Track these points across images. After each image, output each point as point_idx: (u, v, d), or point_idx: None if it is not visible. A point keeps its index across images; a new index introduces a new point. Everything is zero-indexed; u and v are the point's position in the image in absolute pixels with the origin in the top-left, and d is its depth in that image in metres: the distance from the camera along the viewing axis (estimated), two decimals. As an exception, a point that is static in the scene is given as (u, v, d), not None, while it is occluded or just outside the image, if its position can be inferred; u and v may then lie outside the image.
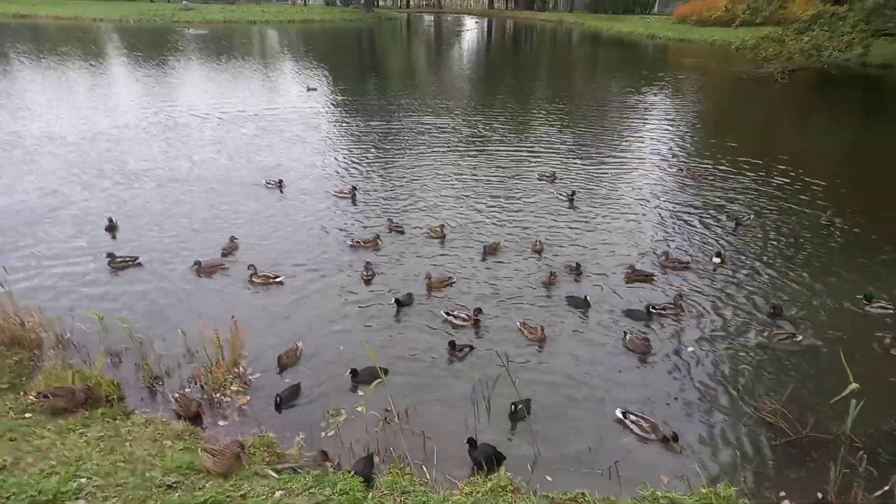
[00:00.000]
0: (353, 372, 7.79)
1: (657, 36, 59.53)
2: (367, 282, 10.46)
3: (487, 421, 7.13)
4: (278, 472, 5.70)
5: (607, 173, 16.77)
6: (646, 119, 24.12)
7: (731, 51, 34.32)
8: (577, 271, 10.71)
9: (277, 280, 10.30)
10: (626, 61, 46.73)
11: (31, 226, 12.37)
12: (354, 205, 14.01)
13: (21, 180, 15.08)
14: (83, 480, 4.97)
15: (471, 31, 79.13)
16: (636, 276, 10.63)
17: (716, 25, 49.42)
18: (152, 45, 47.58)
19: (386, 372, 7.75)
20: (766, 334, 8.85)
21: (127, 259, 10.79)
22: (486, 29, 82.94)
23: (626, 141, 20.62)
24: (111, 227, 12.21)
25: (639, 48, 55.39)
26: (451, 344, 8.47)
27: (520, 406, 7.11)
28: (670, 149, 19.56)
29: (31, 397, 6.86)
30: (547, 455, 6.60)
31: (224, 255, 11.24)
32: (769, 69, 29.54)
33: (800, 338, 8.72)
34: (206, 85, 30.36)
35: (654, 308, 9.43)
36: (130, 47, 46.26)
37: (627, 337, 8.67)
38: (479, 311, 9.26)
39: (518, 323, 9.05)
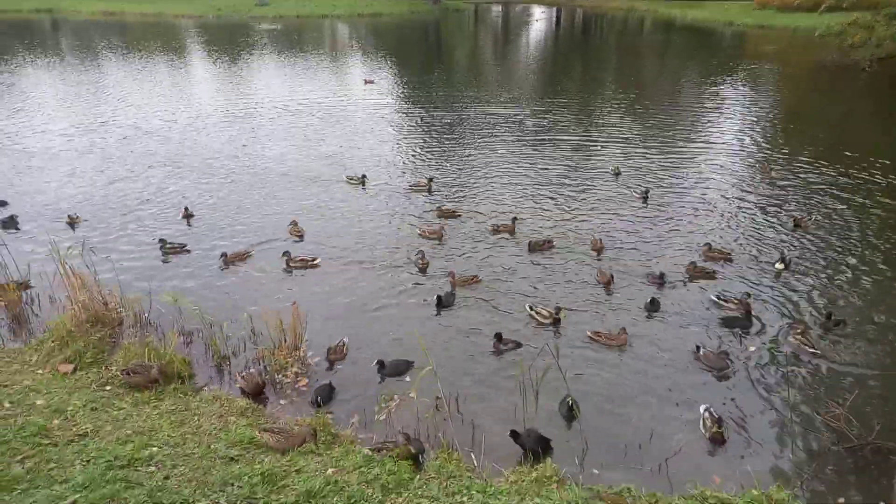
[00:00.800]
0: (381, 364, 7.93)
1: (735, 23, 56.85)
2: (423, 270, 10.76)
3: (535, 412, 7.19)
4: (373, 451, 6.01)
5: (676, 168, 16.30)
6: (719, 112, 23.23)
7: (815, 38, 32.33)
8: (659, 280, 10.14)
9: (315, 262, 10.76)
10: (701, 50, 44.99)
11: (115, 212, 13.28)
12: (430, 194, 14.29)
13: (108, 169, 16.16)
14: (154, 449, 5.39)
15: (538, 20, 77.97)
16: (697, 273, 10.37)
17: (799, 11, 46.70)
18: (228, 40, 49.52)
19: (411, 364, 7.93)
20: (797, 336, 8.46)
21: (176, 246, 11.42)
22: (554, 18, 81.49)
23: (698, 135, 19.93)
24: (187, 216, 12.91)
25: (715, 35, 53.12)
26: (498, 336, 8.54)
27: (571, 403, 7.09)
28: (744, 143, 18.80)
29: (113, 371, 7.44)
30: (595, 449, 6.61)
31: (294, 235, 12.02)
32: (856, 57, 27.72)
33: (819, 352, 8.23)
34: (278, 79, 31.38)
35: (721, 298, 9.30)
36: (209, 43, 48.39)
37: (701, 352, 8.15)
38: (559, 309, 9.16)
39: (588, 333, 8.77)
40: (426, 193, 14.31)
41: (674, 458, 6.41)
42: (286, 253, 10.95)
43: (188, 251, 11.45)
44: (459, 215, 13.00)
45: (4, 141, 18.87)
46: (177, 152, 17.81)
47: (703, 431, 6.80)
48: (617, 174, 15.13)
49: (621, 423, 7.04)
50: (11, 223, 12.44)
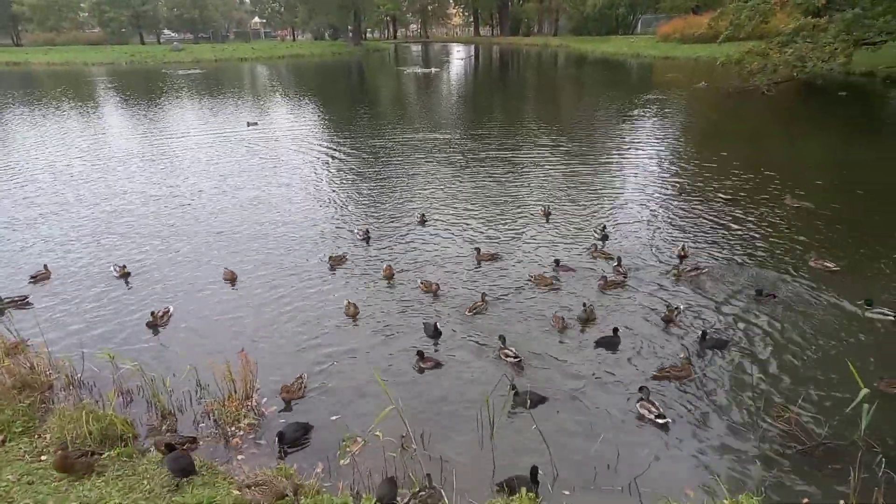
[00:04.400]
0: (280, 435, 7.11)
1: (642, 55, 60.60)
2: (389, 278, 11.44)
3: (499, 440, 7.12)
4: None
5: (593, 193, 16.94)
6: (635, 137, 24.41)
7: (717, 66, 34.87)
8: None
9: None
10: (612, 80, 47.49)
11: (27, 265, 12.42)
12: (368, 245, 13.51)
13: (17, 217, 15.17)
14: (107, 520, 4.95)
15: (462, 59, 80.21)
16: (608, 285, 10.90)
17: (699, 42, 50.38)
18: (144, 87, 48.09)
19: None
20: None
21: (15, 299, 10.73)
22: (472, 56, 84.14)
23: (616, 159, 20.83)
24: (124, 274, 11.89)
25: (624, 67, 56.32)
26: (420, 354, 8.73)
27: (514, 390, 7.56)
28: (662, 165, 19.85)
29: (47, 439, 6.84)
30: (565, 474, 6.59)
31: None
32: (755, 82, 30.05)
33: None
34: (196, 120, 30.68)
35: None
36: (121, 89, 46.80)
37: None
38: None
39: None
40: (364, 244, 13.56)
41: (643, 475, 6.48)
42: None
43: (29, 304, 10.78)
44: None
45: None
46: (85, 199, 16.95)
47: (651, 416, 7.26)
48: (547, 214, 14.85)
49: (587, 443, 7.08)
50: None
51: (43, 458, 6.63)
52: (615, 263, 11.71)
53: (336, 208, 16.10)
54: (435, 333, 9.40)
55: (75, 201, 17.11)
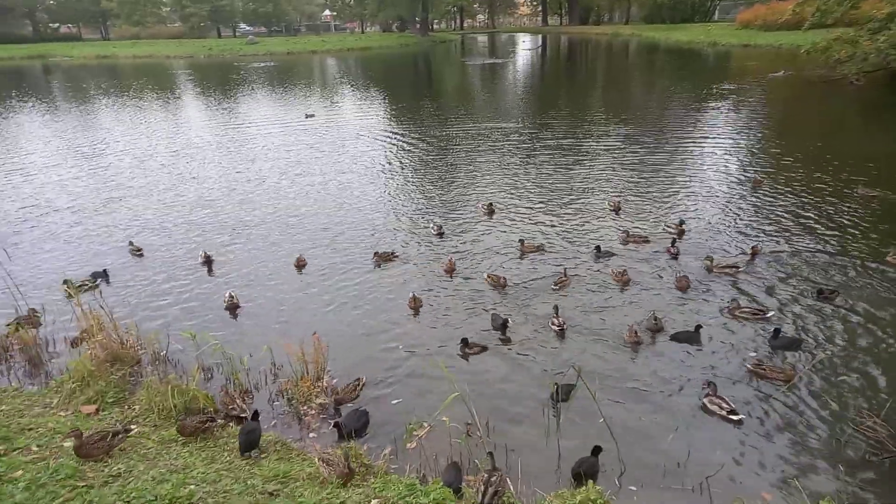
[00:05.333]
0: (338, 426, 7.21)
1: (719, 43, 58.14)
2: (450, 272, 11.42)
3: (564, 430, 7.10)
4: None
5: (664, 186, 16.47)
6: (709, 128, 23.53)
7: (801, 55, 33.00)
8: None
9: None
10: (686, 70, 45.82)
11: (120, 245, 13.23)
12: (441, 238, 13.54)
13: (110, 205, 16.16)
14: (192, 487, 5.26)
15: (524, 49, 79.30)
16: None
17: (782, 29, 47.88)
18: (219, 79, 50.05)
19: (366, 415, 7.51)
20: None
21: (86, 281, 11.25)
22: (539, 46, 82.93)
23: (688, 151, 20.16)
24: (207, 261, 12.36)
25: (700, 56, 54.21)
26: (464, 341, 8.90)
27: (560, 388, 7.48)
28: (737, 157, 19.08)
29: (136, 410, 7.32)
30: (632, 469, 6.51)
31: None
32: (843, 72, 28.32)
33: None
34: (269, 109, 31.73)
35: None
36: (198, 81, 48.91)
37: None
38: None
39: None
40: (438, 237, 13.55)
41: (715, 475, 6.31)
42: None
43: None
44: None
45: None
46: (167, 188, 17.86)
47: (723, 412, 7.14)
48: (617, 209, 14.59)
49: (657, 439, 6.95)
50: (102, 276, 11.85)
51: (133, 427, 7.09)
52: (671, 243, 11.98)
53: (403, 199, 16.31)
54: (502, 327, 9.43)
55: (155, 186, 18.14)
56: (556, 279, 10.89)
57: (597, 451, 6.47)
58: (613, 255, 12.00)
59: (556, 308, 9.65)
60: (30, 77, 56.79)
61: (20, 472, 5.20)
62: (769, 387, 7.77)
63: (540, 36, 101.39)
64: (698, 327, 8.97)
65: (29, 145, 24.84)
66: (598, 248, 12.12)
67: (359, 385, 8.13)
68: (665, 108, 28.85)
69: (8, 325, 9.59)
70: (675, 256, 11.74)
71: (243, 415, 7.47)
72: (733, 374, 8.10)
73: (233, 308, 10.49)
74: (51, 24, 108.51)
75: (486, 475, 5.63)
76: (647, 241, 12.46)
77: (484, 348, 8.95)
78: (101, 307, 9.30)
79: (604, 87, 40.49)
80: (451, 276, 11.49)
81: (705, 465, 6.47)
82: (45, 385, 8.19)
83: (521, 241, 12.53)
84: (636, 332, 8.91)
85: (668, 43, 65.62)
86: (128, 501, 4.85)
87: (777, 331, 8.73)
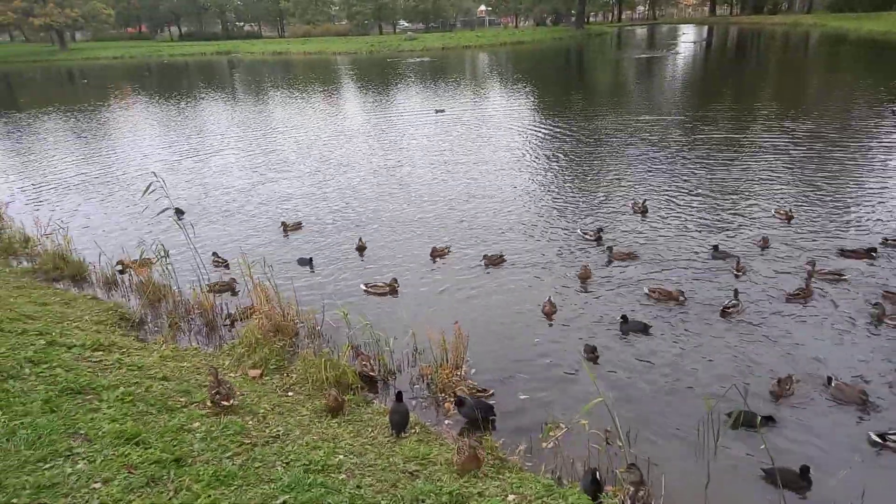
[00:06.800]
0: (459, 402, 7.27)
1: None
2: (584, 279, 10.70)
3: (718, 457, 6.59)
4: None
5: (842, 196, 14.64)
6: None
7: None
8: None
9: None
10: (880, 66, 40.41)
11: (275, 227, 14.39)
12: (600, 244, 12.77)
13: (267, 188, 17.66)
14: (341, 457, 5.60)
15: (686, 42, 74.28)
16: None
17: None
18: (377, 74, 52.67)
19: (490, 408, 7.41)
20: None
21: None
22: (704, 39, 77.25)
23: (872, 158, 17.77)
24: (360, 248, 13.00)
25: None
26: (623, 318, 9.24)
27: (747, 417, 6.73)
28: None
29: (293, 378, 7.94)
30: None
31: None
32: None
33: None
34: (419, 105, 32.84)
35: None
36: (358, 76, 51.82)
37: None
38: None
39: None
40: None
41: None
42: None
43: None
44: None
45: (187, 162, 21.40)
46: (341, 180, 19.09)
47: None
48: (644, 211, 13.88)
49: (824, 474, 6.24)
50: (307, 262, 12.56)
51: (290, 394, 7.71)
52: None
53: (552, 196, 16.08)
54: (643, 329, 9.14)
55: (315, 172, 19.56)
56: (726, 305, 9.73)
57: (805, 470, 6.08)
58: (731, 256, 11.42)
59: (735, 292, 9.73)
60: (217, 70, 63.70)
61: (197, 423, 5.84)
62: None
63: (706, 27, 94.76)
64: (647, 325, 9.13)
65: (213, 129, 27.90)
66: (715, 247, 11.64)
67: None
68: (848, 108, 25.65)
69: (208, 286, 10.93)
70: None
71: (373, 374, 8.17)
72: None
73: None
74: (237, 23, 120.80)
75: (632, 488, 5.38)
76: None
77: (646, 326, 9.21)
78: (269, 280, 10.20)
79: (775, 83, 36.96)
80: (584, 283, 10.93)
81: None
82: (219, 348, 9.15)
83: (610, 248, 11.91)
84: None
85: (859, 34, 58.36)
86: (286, 462, 5.27)
87: (624, 317, 9.20)
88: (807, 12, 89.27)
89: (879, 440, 6.57)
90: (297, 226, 14.40)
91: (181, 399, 6.58)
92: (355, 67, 60.35)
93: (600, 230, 12.91)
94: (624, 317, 9.38)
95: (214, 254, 12.80)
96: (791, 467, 6.13)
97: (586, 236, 12.86)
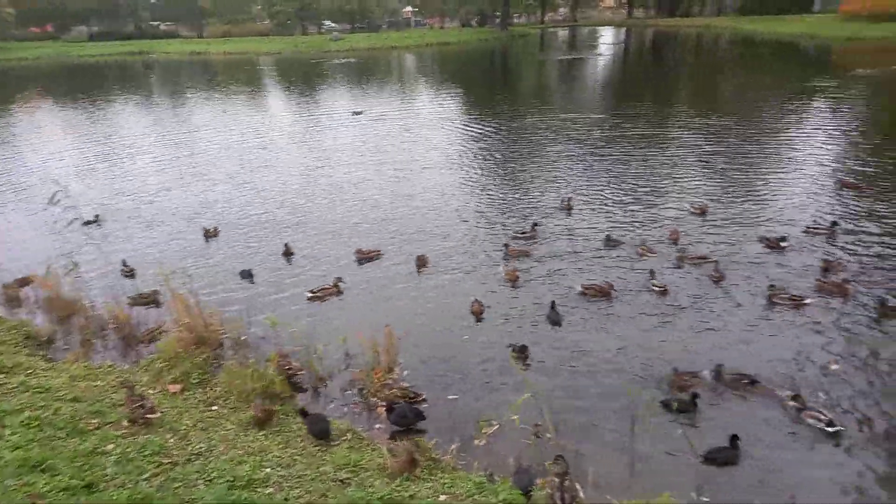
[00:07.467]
0: (390, 409, 7.31)
1: (820, 36, 54.47)
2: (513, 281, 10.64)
3: (642, 442, 6.83)
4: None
5: (751, 192, 15.54)
6: (806, 128, 21.96)
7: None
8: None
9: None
10: (784, 65, 43.21)
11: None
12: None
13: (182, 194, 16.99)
14: (268, 470, 5.43)
15: (605, 43, 76.81)
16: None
17: (893, 21, 44.25)
18: (301, 75, 51.72)
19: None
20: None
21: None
22: (622, 41, 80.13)
23: (779, 155, 18.80)
24: (287, 253, 12.65)
25: (800, 51, 51.01)
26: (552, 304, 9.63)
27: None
28: (830, 160, 17.77)
29: (217, 391, 7.64)
30: (714, 486, 6.19)
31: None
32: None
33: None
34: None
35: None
36: (281, 77, 50.76)
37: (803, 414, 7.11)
38: None
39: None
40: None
41: (801, 491, 5.92)
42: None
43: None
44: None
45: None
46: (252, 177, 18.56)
47: (820, 425, 6.77)
48: (569, 208, 14.32)
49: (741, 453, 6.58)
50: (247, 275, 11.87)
51: (213, 407, 7.41)
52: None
53: (479, 196, 16.20)
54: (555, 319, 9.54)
55: (236, 175, 19.00)
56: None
57: (735, 440, 6.44)
58: (622, 243, 12.16)
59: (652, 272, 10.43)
60: (132, 72, 60.73)
61: (112, 445, 5.52)
62: (859, 398, 7.19)
63: (624, 29, 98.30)
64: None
65: (126, 133, 26.55)
66: (608, 237, 12.32)
67: (418, 397, 7.83)
68: (754, 109, 27.19)
69: (129, 298, 10.39)
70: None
71: (300, 372, 8.20)
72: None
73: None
74: (151, 22, 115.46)
75: (558, 480, 5.48)
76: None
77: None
78: (189, 291, 9.77)
79: (691, 83, 38.80)
80: (514, 285, 10.97)
81: (791, 481, 6.09)
82: (136, 364, 8.69)
83: (506, 245, 12.18)
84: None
85: (765, 36, 62.12)
86: (209, 480, 5.05)
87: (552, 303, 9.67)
88: (718, 15, 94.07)
89: (795, 403, 7.08)
90: (216, 231, 13.87)
91: (94, 420, 6.21)
92: (278, 68, 58.94)
93: (536, 225, 13.18)
94: (553, 303, 9.75)
95: (123, 262, 12.16)
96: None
97: (522, 234, 13.00)
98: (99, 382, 7.57)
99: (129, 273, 11.93)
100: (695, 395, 7.28)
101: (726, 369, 7.84)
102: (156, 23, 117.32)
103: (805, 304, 9.49)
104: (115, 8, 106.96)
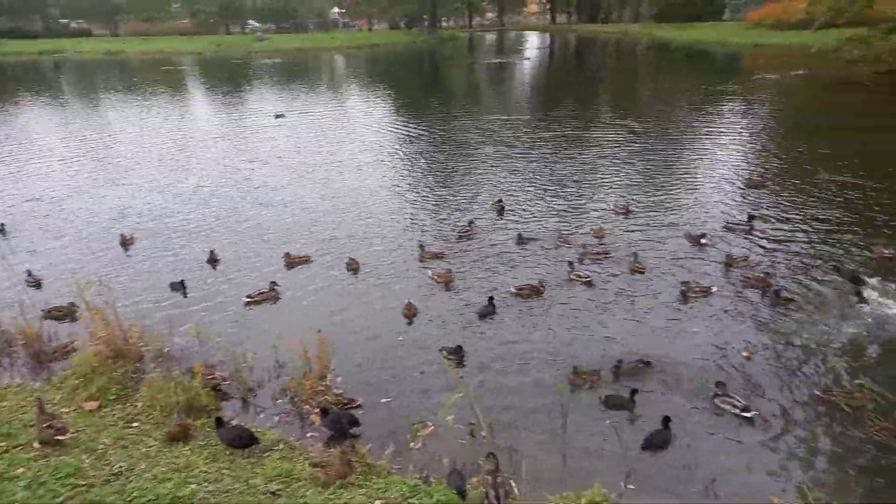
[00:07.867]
0: (324, 412, 7.16)
1: (729, 42, 57.74)
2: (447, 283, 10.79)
3: (571, 435, 7.01)
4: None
5: (669, 188, 16.33)
6: (717, 129, 23.25)
7: (811, 55, 32.68)
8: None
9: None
10: (697, 69, 45.51)
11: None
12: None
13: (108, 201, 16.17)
14: (194, 486, 5.21)
15: (531, 48, 78.66)
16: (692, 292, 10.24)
17: (794, 29, 47.43)
18: (226, 76, 50.14)
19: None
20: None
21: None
22: (547, 45, 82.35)
23: (693, 153, 19.89)
24: (213, 260, 12.17)
25: (710, 56, 53.85)
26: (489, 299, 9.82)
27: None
28: (739, 158, 18.92)
29: (138, 406, 7.27)
30: (640, 473, 6.42)
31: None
32: (856, 72, 28.01)
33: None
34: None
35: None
36: (204, 77, 49.01)
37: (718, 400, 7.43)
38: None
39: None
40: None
41: (723, 478, 6.22)
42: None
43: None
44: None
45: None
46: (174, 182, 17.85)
47: (735, 410, 7.11)
48: (627, 211, 14.25)
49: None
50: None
51: (134, 424, 7.05)
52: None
53: (410, 198, 16.18)
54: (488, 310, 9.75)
55: (156, 179, 18.22)
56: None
57: (667, 421, 6.69)
58: (535, 239, 12.63)
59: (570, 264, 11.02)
60: (40, 72, 57.07)
61: (22, 469, 5.16)
62: (774, 389, 7.67)
63: (548, 34, 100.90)
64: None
65: (38, 138, 24.91)
66: (519, 235, 12.70)
67: (353, 403, 7.72)
68: (671, 111, 28.52)
69: (42, 312, 9.73)
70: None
71: (225, 382, 7.97)
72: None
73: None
74: (60, 20, 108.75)
75: (490, 477, 5.54)
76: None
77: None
78: (105, 302, 9.27)
79: (608, 89, 40.20)
80: (447, 287, 10.95)
81: (713, 468, 6.39)
82: (48, 381, 8.16)
83: (422, 246, 12.29)
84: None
85: (678, 42, 65.20)
86: (129, 501, 4.80)
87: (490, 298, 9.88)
88: (634, 22, 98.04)
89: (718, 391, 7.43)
90: (133, 239, 13.25)
91: (1, 444, 5.79)
92: (200, 69, 56.97)
93: (471, 223, 13.27)
94: (490, 298, 9.91)
95: (28, 272, 11.42)
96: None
97: (462, 232, 13.07)
98: (6, 403, 7.07)
99: (35, 284, 11.20)
100: (633, 392, 7.53)
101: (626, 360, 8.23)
102: (65, 20, 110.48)
103: (712, 292, 10.06)
104: (21, 4, 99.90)
